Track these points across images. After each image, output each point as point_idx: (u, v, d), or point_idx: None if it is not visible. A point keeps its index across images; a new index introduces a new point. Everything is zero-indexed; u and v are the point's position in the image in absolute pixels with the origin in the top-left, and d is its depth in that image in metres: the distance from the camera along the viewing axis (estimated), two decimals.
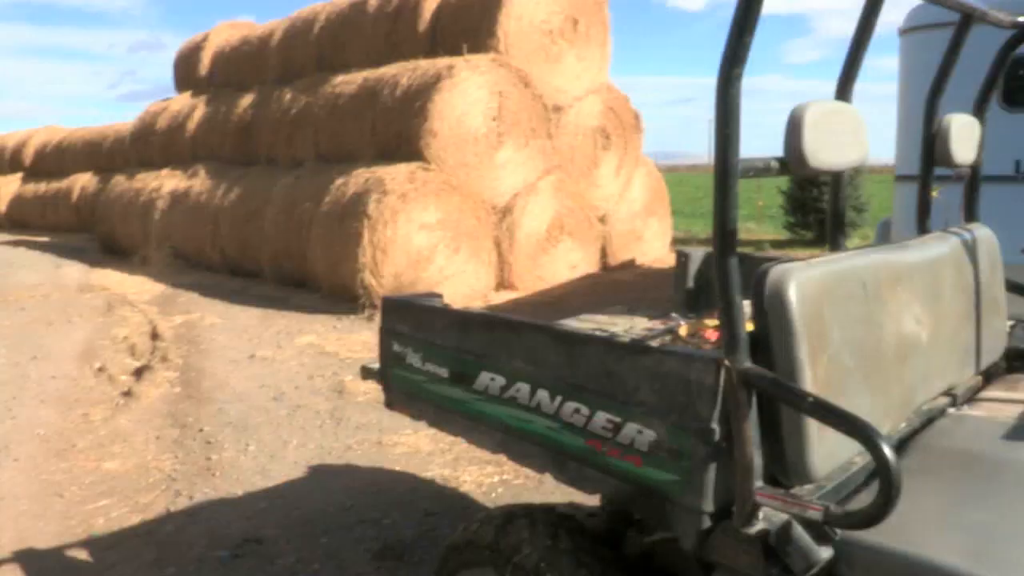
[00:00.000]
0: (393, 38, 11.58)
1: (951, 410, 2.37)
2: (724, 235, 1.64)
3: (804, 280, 1.73)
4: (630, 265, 12.25)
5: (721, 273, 1.64)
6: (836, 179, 2.21)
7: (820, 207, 14.21)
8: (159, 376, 6.68)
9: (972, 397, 2.52)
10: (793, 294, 1.70)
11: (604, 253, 11.86)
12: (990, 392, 2.54)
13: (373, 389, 4.28)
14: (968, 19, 2.32)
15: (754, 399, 1.66)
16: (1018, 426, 2.20)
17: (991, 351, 2.59)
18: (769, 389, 1.62)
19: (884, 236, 6.80)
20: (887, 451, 1.46)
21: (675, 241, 14.16)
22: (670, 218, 13.75)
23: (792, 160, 1.70)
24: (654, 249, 13.03)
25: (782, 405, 1.70)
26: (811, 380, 1.70)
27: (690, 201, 26.60)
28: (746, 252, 3.39)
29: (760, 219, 19.21)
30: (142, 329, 8.60)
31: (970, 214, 2.75)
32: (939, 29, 5.44)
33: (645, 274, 11.61)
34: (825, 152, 1.72)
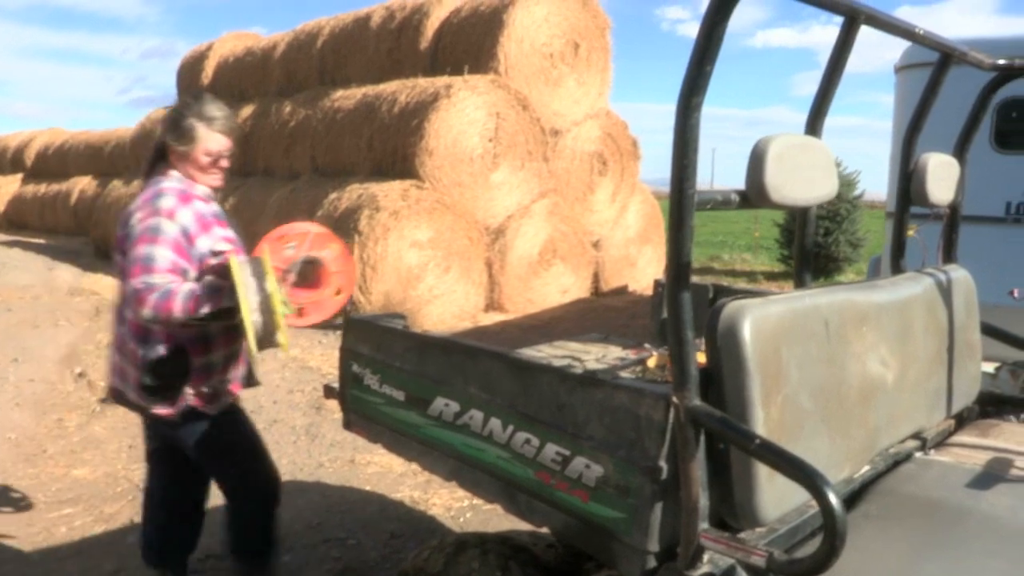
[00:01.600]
0: (395, 55, 11.59)
1: (919, 454, 2.31)
2: (678, 267, 1.58)
3: (760, 317, 1.68)
4: (622, 291, 12.19)
5: (673, 307, 1.59)
6: (802, 215, 2.16)
7: (816, 240, 14.17)
8: None
9: (942, 442, 2.47)
10: (747, 331, 1.64)
11: (596, 278, 11.81)
12: (961, 437, 2.49)
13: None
14: (947, 59, 2.29)
15: (703, 438, 1.60)
16: (983, 474, 2.14)
17: (964, 395, 2.53)
18: (717, 428, 1.57)
19: (875, 273, 6.76)
20: (833, 499, 1.40)
21: None
22: (664, 246, 13.71)
23: (753, 193, 1.65)
24: (647, 276, 12.97)
25: (731, 446, 1.64)
26: (763, 421, 1.64)
27: None
28: (722, 284, 3.35)
29: (756, 250, 19.20)
30: None
31: (948, 255, 2.70)
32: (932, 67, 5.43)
33: (637, 301, 11.54)
34: (789, 187, 1.67)
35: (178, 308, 2.49)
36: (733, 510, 1.68)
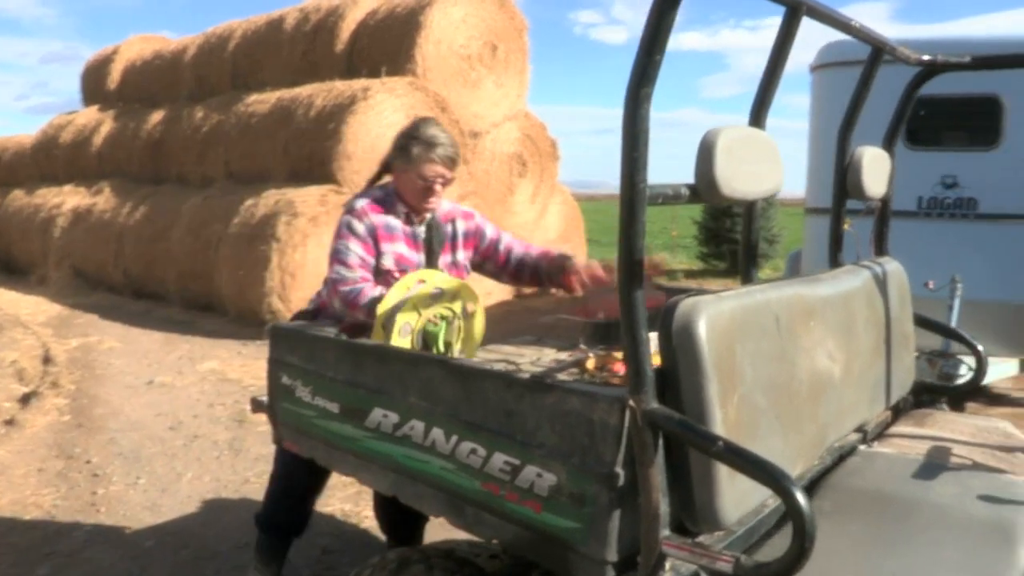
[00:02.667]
0: (310, 57, 11.33)
1: (862, 447, 2.30)
2: (630, 265, 1.51)
3: (715, 314, 1.62)
4: (545, 293, 12.18)
5: (626, 306, 1.52)
6: (749, 209, 2.12)
7: (734, 238, 14.44)
8: (47, 403, 6.24)
9: (881, 433, 2.47)
10: (703, 329, 1.58)
11: None
12: (899, 427, 2.49)
13: None
14: (879, 53, 2.28)
15: (660, 442, 1.53)
16: (927, 464, 2.14)
17: (901, 385, 2.55)
18: (677, 431, 1.50)
19: (794, 269, 6.87)
20: (801, 500, 1.35)
21: None
22: (585, 247, 13.76)
23: (703, 187, 1.59)
24: None
25: (691, 448, 1.58)
26: (721, 421, 1.58)
27: (606, 230, 26.72)
28: (660, 283, 3.31)
29: (674, 249, 19.47)
30: (33, 352, 8.07)
31: (880, 247, 2.72)
32: (848, 66, 5.54)
33: (560, 302, 11.55)
34: (739, 180, 1.61)
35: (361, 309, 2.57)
36: (693, 514, 1.61)
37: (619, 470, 1.56)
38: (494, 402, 1.81)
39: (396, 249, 2.79)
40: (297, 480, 3.05)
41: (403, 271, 2.76)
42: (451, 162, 2.82)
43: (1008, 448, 2.33)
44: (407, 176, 2.79)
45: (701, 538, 1.66)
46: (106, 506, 4.31)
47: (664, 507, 1.52)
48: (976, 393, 2.88)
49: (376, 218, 2.76)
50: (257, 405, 2.74)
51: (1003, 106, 5.55)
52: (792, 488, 1.35)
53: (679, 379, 1.59)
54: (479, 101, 11.06)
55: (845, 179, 2.39)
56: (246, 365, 7.42)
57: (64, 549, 3.82)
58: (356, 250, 2.71)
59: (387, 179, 2.94)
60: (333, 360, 2.25)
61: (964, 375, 3.82)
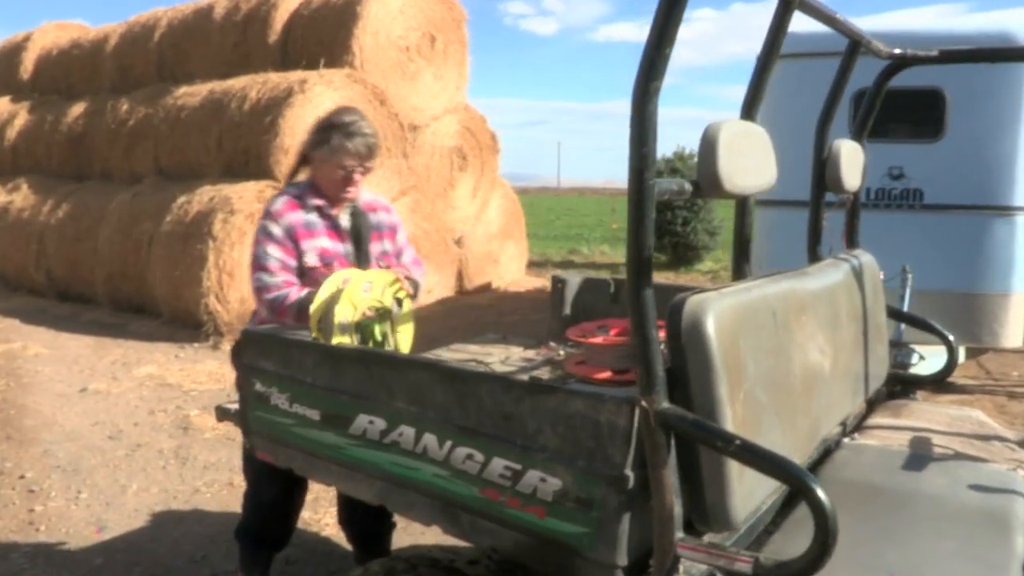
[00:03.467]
0: (242, 48, 11.06)
1: (846, 440, 2.34)
2: (639, 263, 1.50)
3: (720, 311, 1.63)
4: (486, 289, 12.16)
5: (636, 306, 1.50)
6: (742, 204, 2.13)
7: (675, 230, 14.60)
8: None
9: (859, 425, 2.52)
10: (711, 327, 1.58)
11: (460, 276, 11.71)
12: (877, 419, 2.55)
13: (222, 425, 3.94)
14: (856, 45, 2.32)
15: (672, 443, 1.53)
16: (913, 455, 2.19)
17: (877, 377, 2.60)
18: (691, 431, 1.50)
19: None
20: (823, 497, 1.36)
21: (531, 264, 14.21)
22: (526, 241, 13.79)
23: (706, 183, 1.59)
24: (510, 272, 13.01)
25: (700, 447, 1.58)
26: (731, 419, 1.58)
27: (543, 224, 26.92)
28: (620, 278, 3.32)
29: (614, 242, 19.64)
30: None
31: (851, 240, 2.77)
32: (797, 59, 5.65)
33: (502, 298, 11.55)
34: (739, 175, 1.62)
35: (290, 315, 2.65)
36: (704, 514, 1.61)
37: (629, 472, 1.55)
38: (490, 405, 1.78)
39: (318, 244, 2.82)
40: (265, 491, 2.99)
41: (328, 264, 2.79)
42: (371, 151, 2.85)
43: (984, 436, 2.40)
44: (326, 167, 2.82)
45: (708, 537, 1.67)
46: (45, 524, 4.15)
47: (678, 509, 1.52)
48: (936, 383, 2.97)
49: (293, 216, 2.79)
50: (223, 413, 2.66)
51: (945, 99, 5.73)
52: (814, 485, 1.37)
53: (688, 378, 1.59)
54: (418, 94, 10.96)
55: (824, 173, 2.42)
56: (185, 369, 7.23)
57: (1, 573, 3.65)
58: (275, 254, 2.75)
59: (303, 175, 3.00)
60: (311, 365, 2.19)
61: (915, 364, 3.94)
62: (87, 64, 13.14)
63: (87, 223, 10.65)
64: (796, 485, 1.39)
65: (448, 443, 1.86)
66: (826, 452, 2.26)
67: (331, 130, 2.79)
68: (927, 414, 2.60)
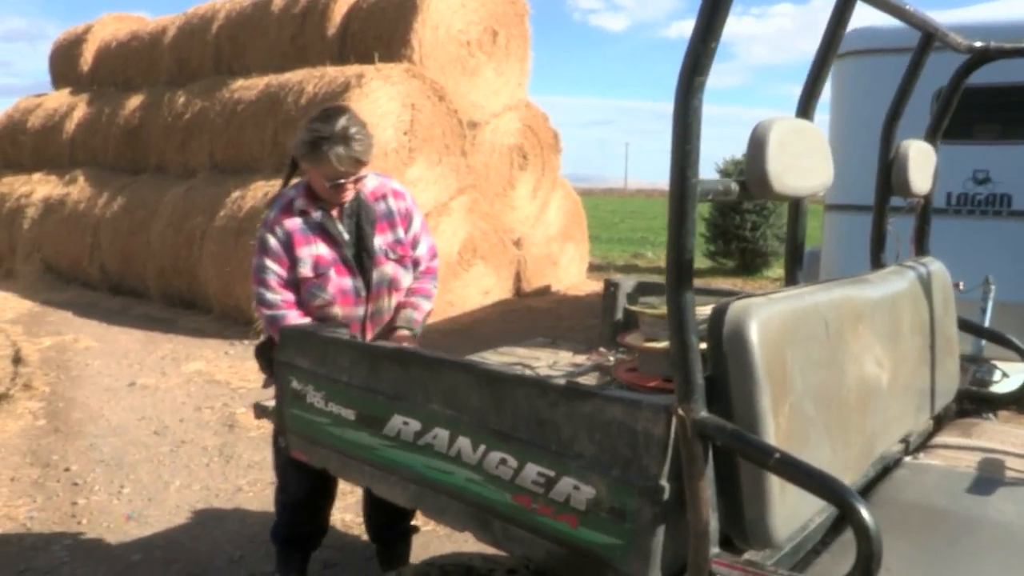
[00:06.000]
0: (299, 42, 11.27)
1: (907, 459, 2.29)
2: (680, 265, 1.50)
3: (766, 318, 1.61)
4: (545, 292, 12.17)
5: (675, 309, 1.50)
6: (796, 206, 2.11)
7: (743, 235, 14.45)
8: (20, 407, 6.20)
9: (925, 443, 2.46)
10: (755, 334, 1.57)
11: (519, 278, 11.74)
12: (944, 438, 2.49)
13: (268, 423, 4.03)
14: (929, 39, 2.27)
15: (710, 454, 1.52)
16: (980, 478, 2.13)
17: (945, 393, 2.54)
18: (729, 443, 1.49)
19: (811, 268, 6.87)
20: (867, 517, 1.34)
21: (592, 268, 14.18)
22: (587, 243, 13.77)
23: (754, 183, 1.58)
24: (570, 275, 13.00)
25: (741, 460, 1.57)
26: (773, 431, 1.57)
27: (606, 227, 26.85)
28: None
29: None
30: (2, 352, 8.02)
31: (921, 247, 2.71)
32: (873, 55, 5.55)
33: (561, 301, 11.55)
34: (790, 175, 1.60)
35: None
36: (743, 531, 1.60)
37: (664, 483, 1.55)
38: (526, 410, 1.80)
39: (315, 252, 2.86)
40: (292, 490, 3.05)
41: (320, 275, 2.85)
42: (360, 160, 2.81)
43: None
44: (315, 175, 2.84)
45: (748, 555, 1.66)
46: (87, 518, 4.29)
47: (714, 523, 1.51)
48: (1015, 402, 2.88)
49: (290, 223, 2.85)
50: (260, 411, 2.72)
51: None
52: (858, 504, 1.35)
53: (729, 387, 1.59)
54: (478, 90, 11.04)
55: (890, 175, 2.38)
56: (234, 366, 7.40)
57: (41, 565, 3.79)
58: (273, 269, 2.85)
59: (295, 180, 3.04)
60: (348, 364, 2.23)
61: (998, 381, 3.82)
62: (145, 56, 13.53)
63: (141, 217, 10.97)
64: (838, 503, 1.37)
65: (482, 447, 1.88)
66: (885, 471, 2.21)
67: (319, 139, 2.74)
68: (1000, 434, 2.52)
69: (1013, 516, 1.89)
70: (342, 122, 2.75)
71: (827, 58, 1.92)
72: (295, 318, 2.80)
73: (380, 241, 2.97)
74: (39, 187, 13.49)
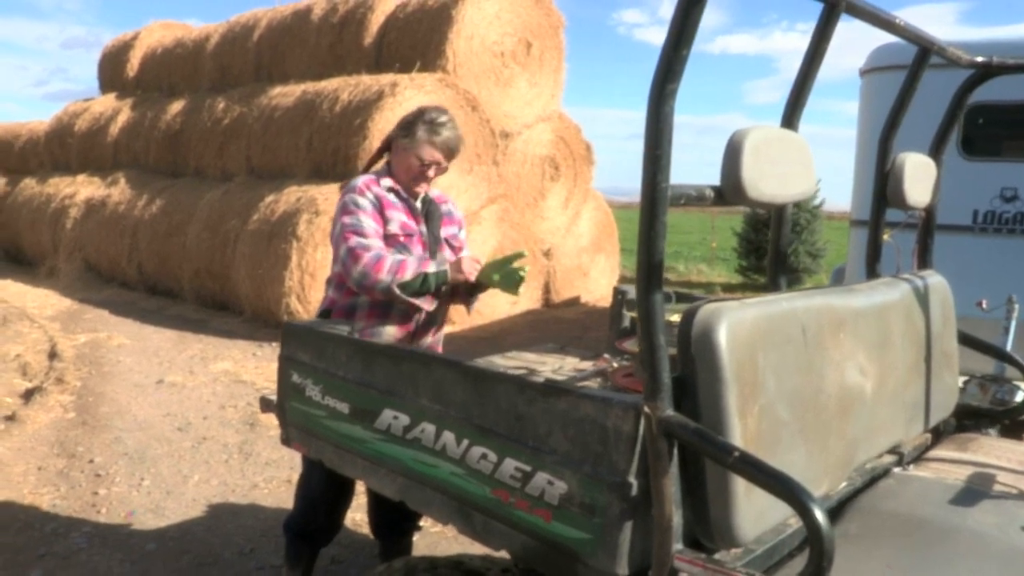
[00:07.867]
0: (337, 50, 11.45)
1: (897, 470, 2.30)
2: (649, 267, 1.54)
3: (736, 322, 1.64)
4: (574, 303, 12.19)
5: (644, 310, 1.54)
6: (778, 213, 2.13)
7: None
8: (51, 400, 6.36)
9: (919, 456, 2.46)
10: (723, 336, 1.60)
11: (548, 289, 11.79)
12: (939, 451, 2.48)
13: None
14: (926, 53, 2.29)
15: (676, 452, 1.55)
16: (966, 490, 2.13)
17: (941, 407, 2.54)
18: (691, 440, 1.52)
19: (839, 284, 6.83)
20: (819, 516, 1.36)
21: (623, 279, 14.17)
22: (618, 255, 13.77)
23: (728, 189, 1.61)
24: (600, 287, 13.01)
25: (707, 460, 1.60)
26: (740, 432, 1.60)
27: None
28: (682, 291, 3.32)
29: (712, 261, 19.40)
30: (39, 347, 8.24)
31: (923, 260, 2.71)
32: (901, 70, 5.52)
33: (590, 313, 11.56)
34: (766, 182, 1.63)
35: (385, 272, 2.78)
36: (708, 529, 1.63)
37: (632, 479, 1.59)
38: (505, 406, 1.84)
39: (399, 217, 2.99)
40: (316, 484, 3.11)
41: (408, 236, 2.98)
42: (450, 150, 3.00)
43: None
44: (406, 155, 2.98)
45: (719, 555, 1.68)
46: (107, 507, 4.40)
47: (677, 520, 1.54)
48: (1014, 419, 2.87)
49: (377, 190, 2.98)
50: (266, 404, 2.79)
51: None
52: (809, 503, 1.37)
53: (696, 387, 1.62)
54: (511, 100, 11.12)
55: (885, 187, 2.39)
56: (260, 367, 7.52)
57: (60, 551, 3.90)
58: (368, 222, 2.90)
59: (381, 163, 3.17)
60: (344, 359, 2.29)
61: (1020, 401, 3.78)
62: (188, 63, 13.82)
63: (178, 219, 11.18)
64: (792, 502, 1.39)
65: (465, 442, 1.93)
66: (873, 481, 2.22)
67: (419, 121, 2.95)
68: (997, 450, 2.51)
69: (991, 527, 1.89)
70: (446, 117, 2.99)
71: (811, 70, 1.95)
72: (413, 262, 2.85)
73: (444, 232, 3.14)
74: (83, 188, 13.79)
